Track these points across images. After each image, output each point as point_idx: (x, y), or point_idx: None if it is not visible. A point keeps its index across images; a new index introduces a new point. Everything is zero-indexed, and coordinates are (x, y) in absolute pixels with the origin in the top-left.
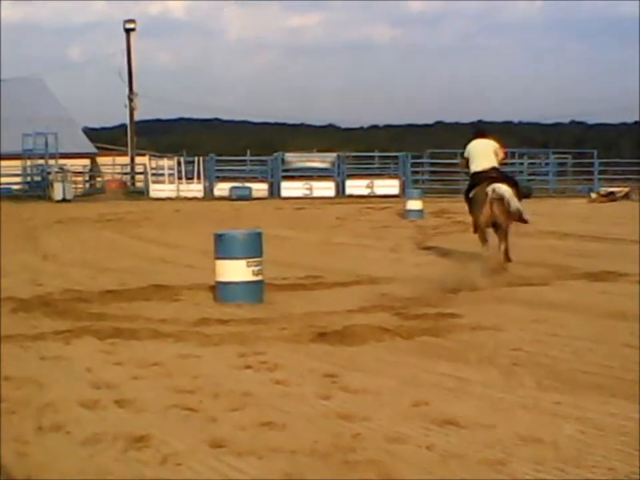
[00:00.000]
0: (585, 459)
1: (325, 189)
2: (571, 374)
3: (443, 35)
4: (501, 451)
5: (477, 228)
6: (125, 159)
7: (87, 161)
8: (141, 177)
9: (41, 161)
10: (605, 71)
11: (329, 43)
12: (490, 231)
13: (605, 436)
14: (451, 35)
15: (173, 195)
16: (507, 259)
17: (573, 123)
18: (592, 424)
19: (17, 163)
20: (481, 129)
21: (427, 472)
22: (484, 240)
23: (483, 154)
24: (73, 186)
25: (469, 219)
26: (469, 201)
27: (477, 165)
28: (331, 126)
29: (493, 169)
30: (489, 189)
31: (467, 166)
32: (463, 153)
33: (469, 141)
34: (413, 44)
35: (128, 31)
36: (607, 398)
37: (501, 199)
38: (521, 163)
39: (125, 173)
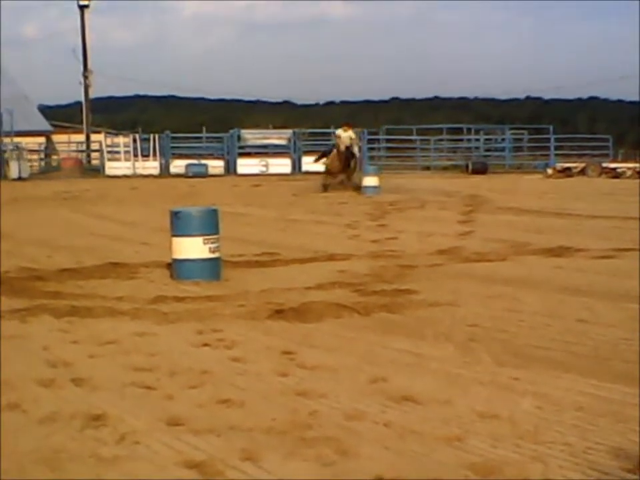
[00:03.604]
0: (542, 434)
1: (281, 165)
2: (527, 349)
3: (397, 10)
4: (458, 427)
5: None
6: (81, 137)
7: (42, 139)
8: (97, 154)
9: None
10: (560, 47)
11: (284, 19)
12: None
13: (561, 411)
14: (405, 10)
15: (128, 172)
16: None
17: (528, 98)
18: (548, 399)
19: None
20: (346, 123)
21: (385, 448)
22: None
23: (345, 139)
24: (29, 164)
25: (427, 196)
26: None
27: (341, 144)
28: (286, 102)
29: (348, 147)
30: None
31: (336, 142)
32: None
33: (337, 128)
34: (368, 19)
35: (82, 7)
36: (562, 373)
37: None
38: (477, 139)
39: (81, 151)
